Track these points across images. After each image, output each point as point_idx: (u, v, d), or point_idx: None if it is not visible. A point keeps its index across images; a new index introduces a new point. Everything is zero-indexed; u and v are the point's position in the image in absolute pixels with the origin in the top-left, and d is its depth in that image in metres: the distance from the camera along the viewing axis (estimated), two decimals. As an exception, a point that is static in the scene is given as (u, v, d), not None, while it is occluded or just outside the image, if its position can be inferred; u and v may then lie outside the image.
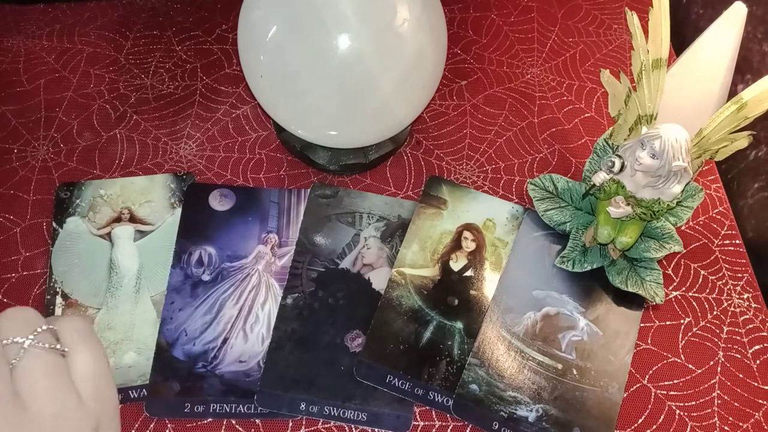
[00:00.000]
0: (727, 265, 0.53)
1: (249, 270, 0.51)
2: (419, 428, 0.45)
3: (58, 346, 0.26)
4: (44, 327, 0.26)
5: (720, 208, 0.56)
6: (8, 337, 0.25)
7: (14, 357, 0.24)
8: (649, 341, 0.49)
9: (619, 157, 0.45)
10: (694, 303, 0.51)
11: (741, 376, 0.48)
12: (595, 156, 0.50)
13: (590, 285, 0.51)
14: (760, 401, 0.47)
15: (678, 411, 0.47)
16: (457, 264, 0.51)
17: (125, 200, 0.53)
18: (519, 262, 0.52)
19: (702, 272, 0.53)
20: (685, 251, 0.52)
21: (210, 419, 0.45)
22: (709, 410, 0.47)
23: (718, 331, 0.50)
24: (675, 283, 0.52)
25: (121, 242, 0.51)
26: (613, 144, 0.49)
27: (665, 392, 0.47)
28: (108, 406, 0.27)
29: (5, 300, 0.49)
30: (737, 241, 0.54)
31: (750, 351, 0.49)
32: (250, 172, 0.56)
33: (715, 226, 0.55)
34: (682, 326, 0.50)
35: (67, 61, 0.62)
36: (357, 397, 0.46)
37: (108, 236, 0.52)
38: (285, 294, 0.49)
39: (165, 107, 0.60)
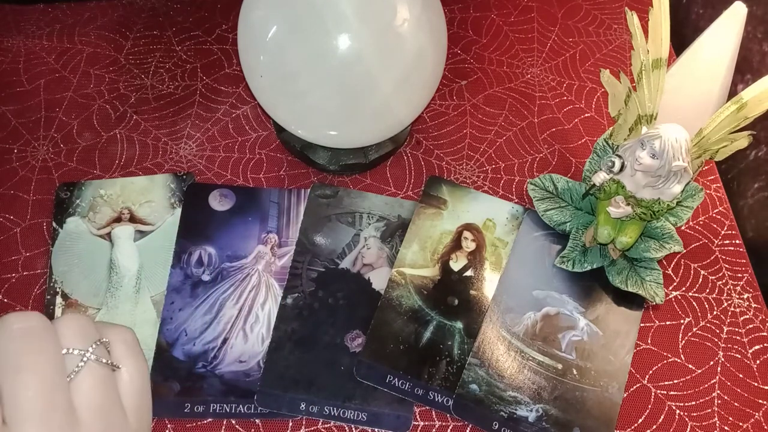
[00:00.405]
0: (727, 265, 0.53)
1: (249, 270, 0.51)
2: (419, 428, 0.45)
3: (112, 361, 0.26)
4: (102, 340, 0.26)
5: (720, 208, 0.56)
6: (68, 347, 0.25)
7: (73, 368, 0.24)
8: (649, 341, 0.49)
9: (619, 157, 0.45)
10: (694, 303, 0.51)
11: (741, 376, 0.48)
12: (595, 156, 0.50)
13: (590, 285, 0.51)
14: (760, 401, 0.47)
15: (678, 411, 0.47)
16: (457, 264, 0.51)
17: (125, 200, 0.53)
18: (519, 262, 0.52)
19: (702, 272, 0.53)
20: (685, 251, 0.52)
21: (210, 419, 0.45)
22: (709, 410, 0.47)
23: (718, 331, 0.50)
24: (675, 283, 0.52)
25: (121, 242, 0.51)
26: (613, 144, 0.49)
27: (665, 392, 0.47)
28: (145, 423, 0.27)
29: (5, 300, 0.49)
30: (737, 241, 0.54)
31: (750, 351, 0.49)
32: (250, 172, 0.56)
33: (715, 226, 0.55)
34: (682, 326, 0.50)
35: (67, 61, 0.62)
36: (357, 397, 0.46)
37: (108, 236, 0.52)
38: (285, 294, 0.49)
39: (165, 107, 0.60)
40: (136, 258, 0.51)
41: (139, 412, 0.26)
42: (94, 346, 0.25)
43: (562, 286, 0.51)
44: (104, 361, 0.25)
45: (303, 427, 0.45)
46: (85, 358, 0.25)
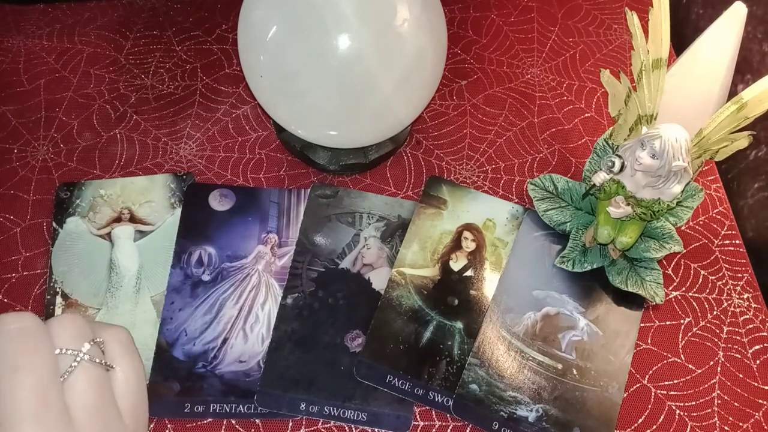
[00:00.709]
0: (727, 265, 0.53)
1: (249, 270, 0.51)
2: (419, 428, 0.45)
3: (106, 361, 0.26)
4: (96, 340, 0.26)
5: (720, 208, 0.56)
6: (62, 347, 0.25)
7: (66, 368, 0.24)
8: (649, 341, 0.49)
9: (619, 157, 0.45)
10: (694, 303, 0.51)
11: (741, 376, 0.48)
12: (595, 156, 0.50)
13: (590, 285, 0.51)
14: (760, 401, 0.47)
15: (678, 411, 0.47)
16: (457, 264, 0.51)
17: (125, 200, 0.53)
18: (519, 262, 0.52)
19: (702, 272, 0.53)
20: (685, 251, 0.52)
21: (210, 419, 0.45)
22: (709, 410, 0.47)
23: (718, 331, 0.50)
24: (675, 283, 0.52)
25: (121, 242, 0.51)
26: (613, 144, 0.49)
27: (665, 392, 0.47)
28: (141, 422, 0.27)
29: (5, 300, 0.49)
30: (737, 241, 0.54)
31: (750, 351, 0.49)
32: (250, 172, 0.56)
33: (715, 226, 0.55)
34: (682, 326, 0.50)
35: (67, 61, 0.62)
36: (357, 397, 0.46)
37: (108, 236, 0.52)
38: (285, 294, 0.49)
39: (165, 107, 0.60)
40: (136, 258, 0.51)
41: (135, 411, 0.26)
42: (88, 345, 0.25)
43: (562, 286, 0.51)
44: (98, 360, 0.25)
45: (303, 427, 0.45)
46: (78, 358, 0.25)
